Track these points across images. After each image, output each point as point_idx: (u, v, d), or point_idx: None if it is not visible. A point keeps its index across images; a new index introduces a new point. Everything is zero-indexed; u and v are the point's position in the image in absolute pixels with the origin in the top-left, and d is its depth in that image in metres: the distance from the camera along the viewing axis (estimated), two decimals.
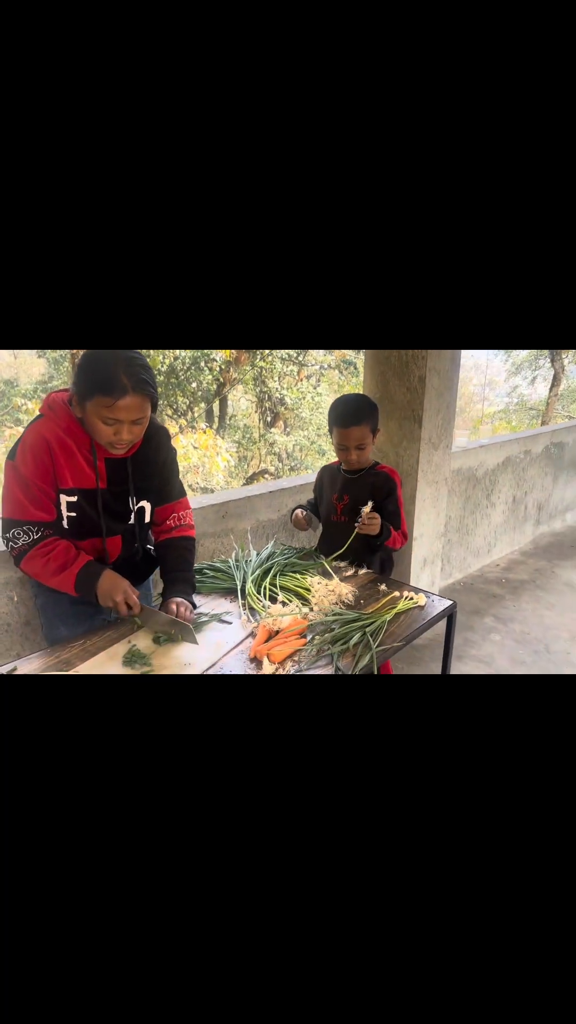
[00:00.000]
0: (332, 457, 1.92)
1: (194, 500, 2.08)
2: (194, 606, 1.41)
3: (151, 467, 1.38)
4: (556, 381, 10.64)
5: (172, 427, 8.84)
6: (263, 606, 1.41)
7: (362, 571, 1.68)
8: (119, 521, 1.36)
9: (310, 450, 9.79)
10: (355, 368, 9.48)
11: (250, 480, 9.69)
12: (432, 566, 2.87)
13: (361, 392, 2.45)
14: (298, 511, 1.85)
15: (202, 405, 9.92)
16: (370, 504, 1.62)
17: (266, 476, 9.70)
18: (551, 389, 10.77)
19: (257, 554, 1.68)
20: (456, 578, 3.44)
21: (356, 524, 1.62)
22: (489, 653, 2.65)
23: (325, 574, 1.63)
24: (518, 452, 3.69)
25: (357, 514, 1.66)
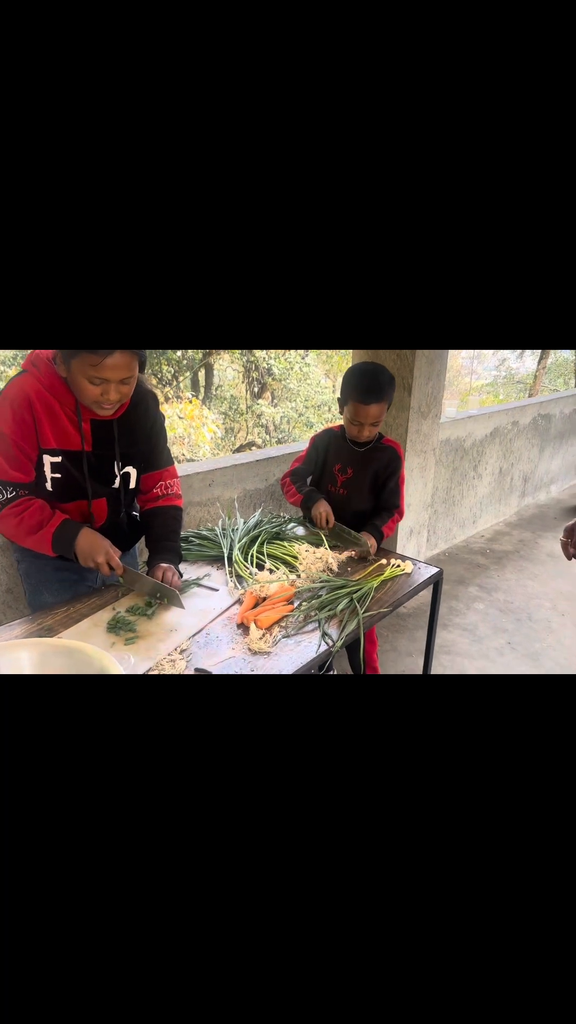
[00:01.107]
0: (320, 429, 1.86)
1: (180, 468, 2.04)
2: (180, 574, 1.40)
3: (138, 432, 1.34)
4: (544, 355, 10.60)
5: (158, 396, 8.66)
6: (250, 573, 1.40)
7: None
8: (104, 484, 1.32)
9: (298, 422, 9.69)
10: None
11: (237, 452, 9.60)
12: (418, 536, 2.88)
13: (352, 361, 2.40)
14: (328, 514, 1.62)
15: (187, 374, 9.72)
16: (368, 541, 1.56)
17: (253, 448, 9.61)
18: (539, 362, 10.74)
19: (244, 522, 1.66)
20: (441, 548, 3.47)
21: (354, 544, 1.57)
22: (473, 622, 2.69)
23: (314, 543, 1.62)
24: (506, 423, 3.68)
25: (357, 490, 1.63)
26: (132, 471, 1.37)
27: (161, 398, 8.43)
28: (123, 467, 1.34)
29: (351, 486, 1.74)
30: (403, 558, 1.58)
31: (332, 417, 10.04)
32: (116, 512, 1.38)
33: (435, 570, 1.52)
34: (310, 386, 9.78)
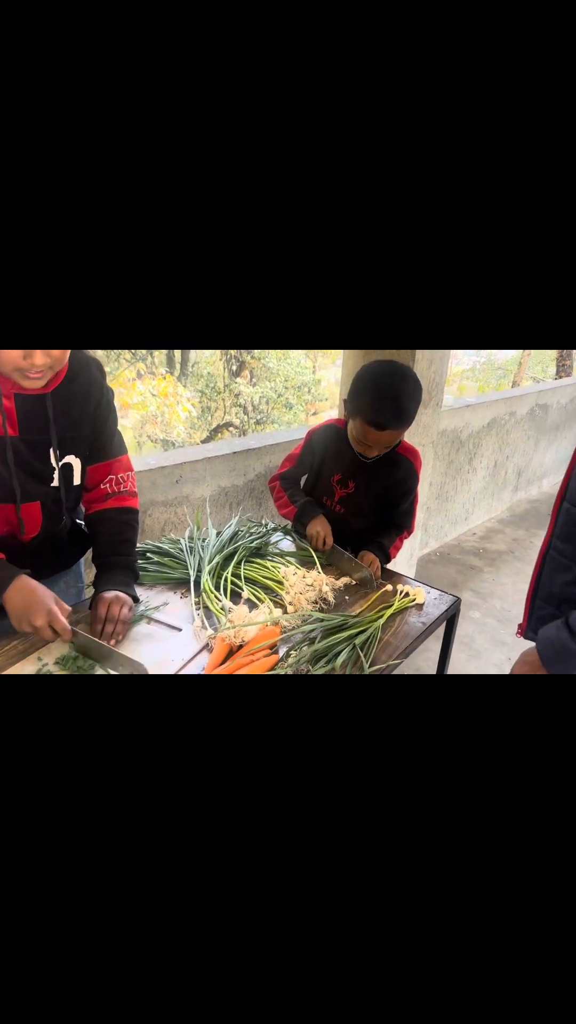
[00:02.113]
0: (300, 411, 1.50)
1: (141, 460, 1.70)
2: (136, 600, 1.08)
3: (79, 409, 1.01)
4: None
5: (130, 372, 8.14)
6: (222, 607, 1.09)
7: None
8: (38, 482, 0.99)
9: (277, 403, 9.28)
10: None
11: (214, 432, 9.19)
12: (412, 537, 2.62)
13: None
14: (325, 534, 1.29)
15: (163, 350, 9.21)
16: (366, 560, 1.27)
17: (231, 429, 9.21)
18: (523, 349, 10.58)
19: (217, 533, 1.34)
20: (433, 547, 3.22)
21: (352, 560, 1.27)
22: (469, 633, 2.46)
23: (305, 562, 1.32)
24: (503, 413, 3.43)
25: (358, 508, 1.33)
26: (75, 462, 1.03)
27: (133, 374, 7.92)
28: (63, 456, 1.01)
29: (351, 503, 1.37)
30: (412, 582, 1.29)
31: (312, 399, 9.69)
32: (55, 519, 1.05)
33: (452, 599, 1.24)
34: (290, 366, 9.38)
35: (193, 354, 9.69)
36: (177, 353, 9.41)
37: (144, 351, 8.92)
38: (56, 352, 0.89)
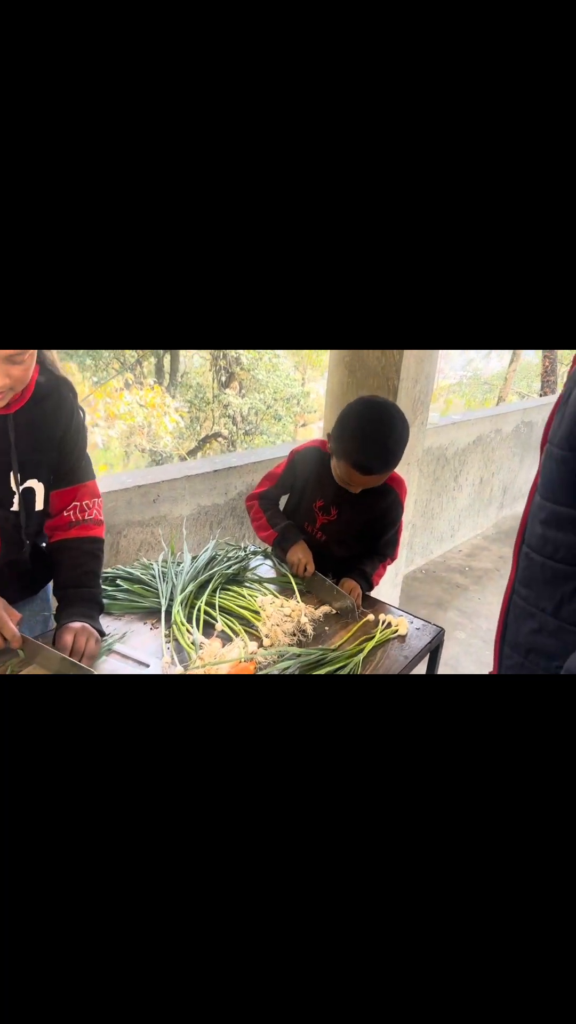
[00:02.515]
0: (289, 423, 1.46)
1: (115, 480, 1.64)
2: (102, 634, 1.02)
3: (45, 433, 0.96)
4: (515, 356, 10.56)
5: (118, 382, 8.06)
6: (192, 641, 1.03)
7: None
8: None
9: (266, 414, 9.26)
10: None
11: (202, 443, 9.13)
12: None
13: (328, 361, 2.05)
14: (307, 561, 1.24)
15: (151, 360, 9.17)
16: (347, 588, 1.24)
17: (219, 440, 9.17)
18: (510, 364, 10.72)
19: (193, 559, 1.28)
20: (418, 564, 3.19)
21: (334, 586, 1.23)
22: (455, 655, 2.42)
23: (284, 590, 1.26)
24: (489, 431, 3.43)
25: (341, 536, 1.29)
26: (37, 486, 0.98)
27: (122, 384, 7.85)
28: (23, 480, 0.96)
29: (333, 531, 1.33)
30: (395, 611, 1.25)
31: (301, 411, 9.70)
32: (15, 545, 0.99)
33: (436, 630, 1.20)
34: (279, 378, 9.38)
35: (182, 364, 9.65)
36: (166, 363, 9.38)
37: (133, 361, 8.87)
38: (16, 372, 0.84)
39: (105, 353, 8.38)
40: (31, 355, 0.86)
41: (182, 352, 9.24)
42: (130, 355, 8.78)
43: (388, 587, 2.40)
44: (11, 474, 0.93)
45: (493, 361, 13.22)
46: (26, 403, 0.92)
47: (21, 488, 0.95)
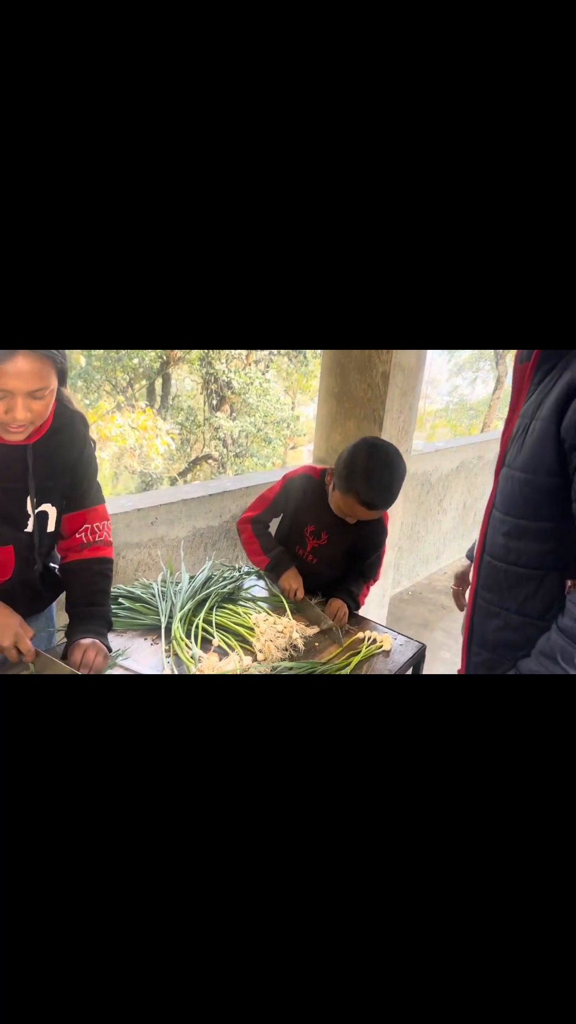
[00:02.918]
0: (279, 445, 1.56)
1: (116, 504, 1.72)
2: (109, 650, 1.09)
3: (59, 462, 1.05)
4: (499, 384, 10.90)
5: (109, 403, 8.16)
6: (192, 656, 1.10)
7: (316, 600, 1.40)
8: (13, 527, 1.02)
9: (256, 437, 9.41)
10: (304, 357, 9.21)
11: (193, 464, 9.21)
12: (383, 578, 2.67)
13: (319, 389, 2.18)
14: (297, 588, 1.34)
15: (143, 382, 9.29)
16: (334, 606, 1.34)
17: (210, 461, 9.26)
18: (494, 392, 11.04)
19: (190, 579, 1.36)
20: (404, 586, 3.28)
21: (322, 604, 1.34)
22: (440, 673, 2.49)
23: (276, 608, 1.35)
24: (472, 457, 3.57)
25: (331, 560, 1.39)
26: (51, 510, 1.06)
27: (113, 405, 7.95)
28: (39, 504, 1.04)
29: (323, 554, 1.43)
30: (380, 628, 1.33)
31: (291, 434, 9.86)
32: (27, 564, 1.07)
33: (418, 645, 1.28)
34: (269, 402, 9.56)
35: (173, 387, 9.80)
36: (157, 385, 9.51)
37: (125, 383, 8.99)
38: (37, 407, 0.93)
39: (96, 376, 8.50)
40: (51, 391, 0.95)
41: (174, 375, 9.39)
42: (122, 377, 8.90)
43: (375, 607, 2.49)
44: (28, 498, 1.01)
45: (479, 387, 13.57)
46: (44, 434, 1.01)
47: (36, 511, 1.03)
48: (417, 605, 3.10)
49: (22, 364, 0.84)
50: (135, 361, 8.33)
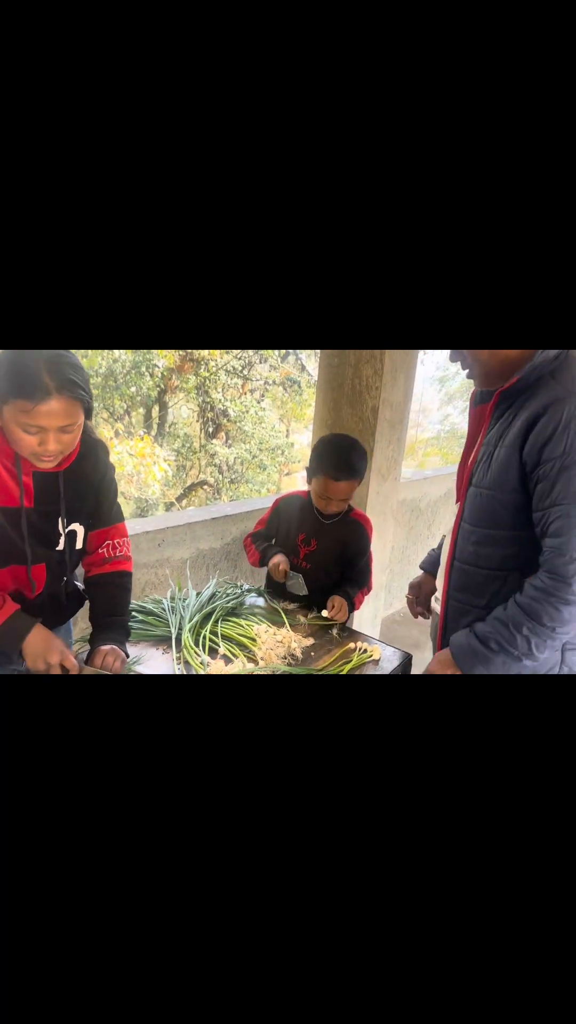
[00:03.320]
0: (274, 472, 1.76)
1: (127, 525, 1.86)
2: (127, 656, 1.21)
3: (86, 485, 1.19)
4: None
5: (107, 431, 8.35)
6: (200, 662, 1.23)
7: (312, 615, 1.53)
8: (46, 546, 1.14)
9: (252, 464, 9.63)
10: (299, 387, 9.49)
11: (188, 490, 9.36)
12: (376, 599, 2.79)
13: (314, 419, 2.34)
14: (281, 562, 1.56)
15: (140, 411, 9.50)
16: (335, 602, 1.50)
17: (205, 487, 9.41)
18: None
19: (197, 594, 1.49)
20: (396, 608, 3.40)
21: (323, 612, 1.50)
22: None
23: (273, 620, 1.47)
24: None
25: (321, 564, 1.54)
26: (79, 529, 1.20)
27: (111, 433, 8.13)
28: (68, 524, 1.17)
29: (315, 559, 1.61)
30: (369, 640, 1.46)
31: (286, 460, 10.08)
32: (57, 580, 1.20)
33: (404, 655, 1.41)
34: (265, 429, 9.81)
35: (170, 415, 10.03)
36: (155, 414, 9.73)
37: (122, 411, 9.20)
38: (66, 439, 1.06)
39: (96, 404, 8.70)
40: (79, 426, 1.08)
41: (171, 403, 9.65)
42: (119, 405, 9.09)
43: (368, 628, 2.61)
44: (60, 519, 1.15)
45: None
46: (72, 462, 1.15)
47: (66, 531, 1.17)
48: (409, 627, 3.21)
49: (55, 405, 0.96)
50: (132, 389, 8.55)
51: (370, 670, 1.33)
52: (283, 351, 9.15)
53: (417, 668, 2.95)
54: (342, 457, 1.48)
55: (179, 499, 9.04)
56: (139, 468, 7.55)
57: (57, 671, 1.07)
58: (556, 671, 1.07)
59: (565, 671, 1.07)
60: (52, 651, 1.06)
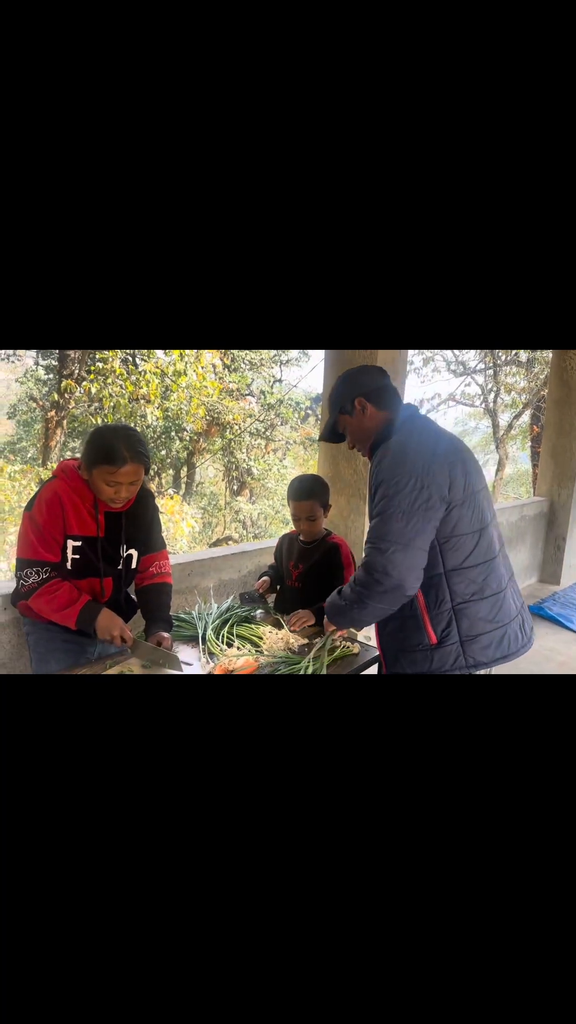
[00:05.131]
0: (293, 526, 2.23)
1: None
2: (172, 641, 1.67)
3: (140, 521, 1.69)
4: (501, 466, 11.55)
5: (152, 491, 9.01)
6: (221, 650, 1.65)
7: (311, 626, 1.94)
8: (112, 565, 1.63)
9: (274, 519, 10.16)
10: (317, 446, 10.08)
11: (214, 545, 9.87)
12: (370, 630, 3.12)
13: (316, 472, 2.83)
14: (264, 578, 2.11)
15: (170, 472, 10.24)
16: (294, 616, 1.89)
17: (229, 543, 9.92)
18: (496, 474, 11.66)
19: (217, 607, 1.93)
20: None
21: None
22: None
23: (276, 625, 1.89)
24: None
25: (309, 582, 1.97)
26: (134, 553, 1.69)
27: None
28: (127, 549, 1.66)
29: (303, 579, 2.07)
30: (352, 640, 1.85)
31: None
32: (119, 590, 1.69)
33: (377, 652, 1.79)
34: (286, 486, 10.31)
35: (198, 475, 10.75)
36: (183, 474, 10.46)
37: (153, 473, 9.94)
38: (134, 489, 1.56)
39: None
40: (141, 480, 1.57)
41: (198, 463, 10.39)
42: (152, 468, 9.78)
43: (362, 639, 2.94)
44: (121, 546, 1.63)
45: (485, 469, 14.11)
46: (132, 504, 1.65)
47: (125, 554, 1.65)
48: None
49: (129, 468, 1.46)
50: (163, 452, 9.30)
51: (351, 662, 1.71)
52: (302, 413, 9.89)
53: None
54: (300, 484, 1.99)
55: None
56: (168, 525, 8.12)
57: (118, 642, 1.52)
58: (461, 661, 1.36)
59: (471, 662, 1.37)
60: (115, 626, 1.52)
